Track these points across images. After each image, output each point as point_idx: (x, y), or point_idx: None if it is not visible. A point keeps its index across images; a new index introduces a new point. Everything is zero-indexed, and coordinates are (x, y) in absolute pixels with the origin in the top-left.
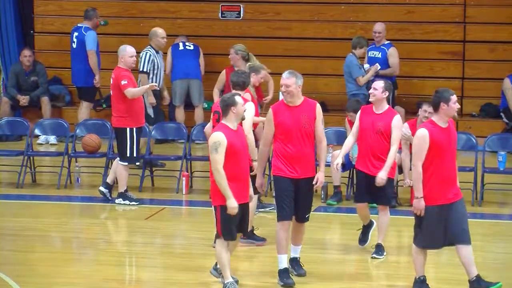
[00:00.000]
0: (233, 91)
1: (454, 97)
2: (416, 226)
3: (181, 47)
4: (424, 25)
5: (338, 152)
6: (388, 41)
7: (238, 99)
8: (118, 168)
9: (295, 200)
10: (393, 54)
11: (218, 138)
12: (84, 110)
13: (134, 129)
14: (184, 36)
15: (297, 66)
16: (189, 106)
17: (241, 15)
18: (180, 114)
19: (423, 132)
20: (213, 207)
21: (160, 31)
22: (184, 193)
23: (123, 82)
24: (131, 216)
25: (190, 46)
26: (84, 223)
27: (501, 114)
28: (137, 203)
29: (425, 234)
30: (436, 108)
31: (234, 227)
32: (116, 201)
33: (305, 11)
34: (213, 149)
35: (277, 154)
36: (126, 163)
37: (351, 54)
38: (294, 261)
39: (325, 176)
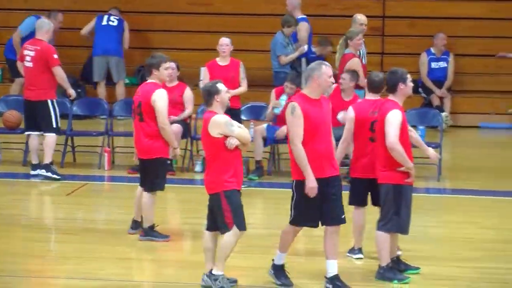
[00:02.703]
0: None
1: (409, 76)
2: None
3: (104, 22)
4: (344, 1)
5: (261, 127)
6: (302, 16)
7: (220, 86)
8: (47, 138)
9: None
10: (301, 29)
11: (226, 118)
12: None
13: (55, 101)
14: (116, 9)
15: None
16: (110, 81)
17: None
18: (101, 90)
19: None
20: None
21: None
22: (106, 168)
23: (55, 56)
24: (54, 192)
25: (113, 22)
26: (6, 199)
27: (420, 89)
28: (59, 177)
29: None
30: (394, 89)
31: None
32: (40, 171)
33: None
34: (229, 125)
35: None
36: (54, 134)
37: (280, 31)
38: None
39: (247, 151)
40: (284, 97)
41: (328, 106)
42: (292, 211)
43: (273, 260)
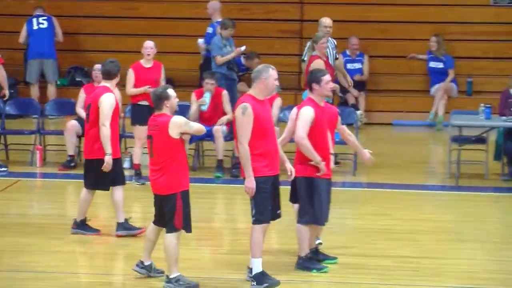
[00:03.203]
0: (103, 82)
1: (326, 77)
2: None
3: (35, 26)
4: (265, 5)
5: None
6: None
7: (170, 92)
8: None
9: None
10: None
11: (182, 117)
12: None
13: None
14: (40, 8)
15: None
16: (42, 82)
17: None
18: (34, 91)
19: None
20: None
21: None
22: (38, 165)
23: None
24: None
25: (43, 24)
26: None
27: None
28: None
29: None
30: (310, 88)
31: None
32: None
33: None
34: (187, 123)
35: None
36: None
37: (219, 33)
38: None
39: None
40: (207, 95)
41: (270, 107)
42: (255, 210)
43: (250, 268)
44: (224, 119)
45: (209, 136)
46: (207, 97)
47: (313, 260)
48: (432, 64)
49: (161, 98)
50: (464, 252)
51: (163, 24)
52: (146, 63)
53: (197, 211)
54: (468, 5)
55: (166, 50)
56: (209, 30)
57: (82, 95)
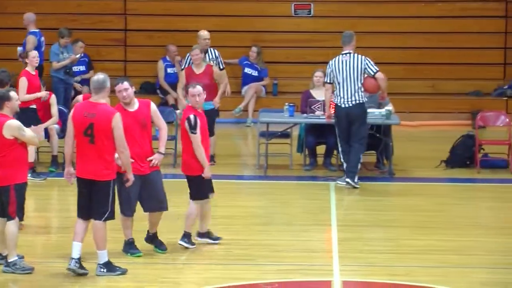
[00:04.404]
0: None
1: (121, 86)
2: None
3: None
4: (92, 17)
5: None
6: (34, 30)
7: (13, 94)
8: None
9: None
10: (29, 41)
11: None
12: None
13: None
14: None
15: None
16: None
17: None
18: None
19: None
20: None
21: None
22: None
23: None
24: None
25: None
26: None
27: (158, 90)
28: None
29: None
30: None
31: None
32: None
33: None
34: (21, 130)
35: None
36: None
37: (57, 42)
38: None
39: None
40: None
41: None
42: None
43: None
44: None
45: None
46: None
47: (132, 244)
48: (248, 71)
49: (2, 98)
50: (272, 234)
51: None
52: None
53: (32, 202)
54: (275, 16)
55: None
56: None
57: None
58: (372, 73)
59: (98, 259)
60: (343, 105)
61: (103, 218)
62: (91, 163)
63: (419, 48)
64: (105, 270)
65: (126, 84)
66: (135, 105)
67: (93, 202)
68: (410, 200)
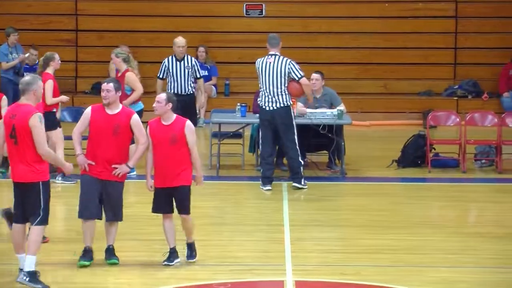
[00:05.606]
0: None
1: (104, 85)
2: None
3: None
4: (42, 17)
5: None
6: None
7: None
8: None
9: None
10: None
11: None
12: None
13: None
14: None
15: None
16: None
17: None
18: None
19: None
20: None
21: None
22: None
23: None
24: None
25: None
26: None
27: None
28: None
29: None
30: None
31: None
32: None
33: None
34: None
35: None
36: None
37: (5, 43)
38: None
39: None
40: None
41: None
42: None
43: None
44: None
45: None
46: None
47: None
48: None
49: None
50: (224, 234)
51: None
52: None
53: None
54: (226, 16)
55: None
56: None
57: None
58: (297, 78)
59: (25, 265)
60: (267, 108)
61: (35, 223)
62: (18, 165)
63: (371, 48)
64: (27, 279)
65: (109, 85)
66: (117, 109)
67: (25, 205)
68: (362, 199)
